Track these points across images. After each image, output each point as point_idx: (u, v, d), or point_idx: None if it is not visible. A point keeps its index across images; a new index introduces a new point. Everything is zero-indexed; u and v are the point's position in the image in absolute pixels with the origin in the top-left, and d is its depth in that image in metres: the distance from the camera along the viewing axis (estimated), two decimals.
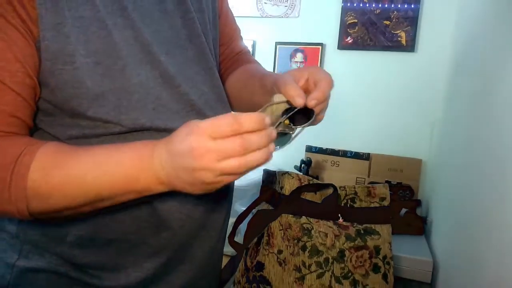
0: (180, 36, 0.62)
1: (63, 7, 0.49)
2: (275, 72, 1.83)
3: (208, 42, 0.68)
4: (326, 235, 0.78)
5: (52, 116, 0.54)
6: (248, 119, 0.42)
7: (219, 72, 0.81)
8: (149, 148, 0.47)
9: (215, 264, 0.75)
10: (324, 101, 0.56)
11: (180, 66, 0.61)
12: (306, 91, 0.56)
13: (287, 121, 0.56)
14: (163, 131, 0.56)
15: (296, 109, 0.54)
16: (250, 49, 1.83)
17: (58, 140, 0.54)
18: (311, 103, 0.54)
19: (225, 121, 0.42)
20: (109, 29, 0.52)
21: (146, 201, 0.57)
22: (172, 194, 0.57)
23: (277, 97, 0.56)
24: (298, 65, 1.77)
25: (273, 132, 0.44)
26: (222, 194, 0.68)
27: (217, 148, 0.42)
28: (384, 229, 0.80)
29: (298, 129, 0.57)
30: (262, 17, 1.80)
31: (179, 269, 0.64)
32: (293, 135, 0.56)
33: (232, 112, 0.46)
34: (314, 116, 0.56)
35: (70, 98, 0.51)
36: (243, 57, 0.84)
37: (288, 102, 0.55)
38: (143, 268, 0.60)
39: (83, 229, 0.56)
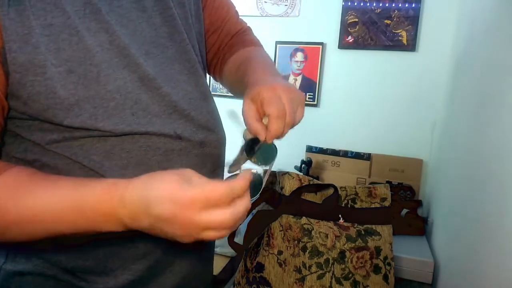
0: (160, 34, 0.61)
1: (28, 16, 0.48)
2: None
3: (190, 38, 0.66)
4: (326, 235, 0.78)
5: (29, 122, 0.52)
6: (243, 188, 0.42)
7: (215, 64, 0.79)
8: (114, 201, 0.44)
9: (207, 263, 0.74)
10: (283, 133, 0.55)
11: (161, 67, 0.59)
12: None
13: (254, 159, 0.57)
14: (144, 134, 0.55)
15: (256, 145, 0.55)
16: None
17: (39, 146, 0.53)
18: (269, 142, 0.54)
19: (219, 196, 0.41)
20: (81, 35, 0.51)
21: None
22: None
23: (246, 134, 0.57)
24: (298, 65, 1.77)
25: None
26: None
27: (207, 222, 0.41)
28: (385, 230, 0.79)
29: (265, 169, 0.59)
30: (262, 16, 1.80)
31: (169, 270, 0.63)
32: (264, 178, 0.58)
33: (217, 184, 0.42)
34: (276, 152, 0.57)
35: (44, 110, 0.50)
36: (239, 40, 0.79)
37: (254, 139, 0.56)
38: (131, 270, 0.59)
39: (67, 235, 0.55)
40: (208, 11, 0.74)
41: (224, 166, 0.70)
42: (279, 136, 0.54)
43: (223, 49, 0.79)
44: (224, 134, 0.69)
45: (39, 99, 0.49)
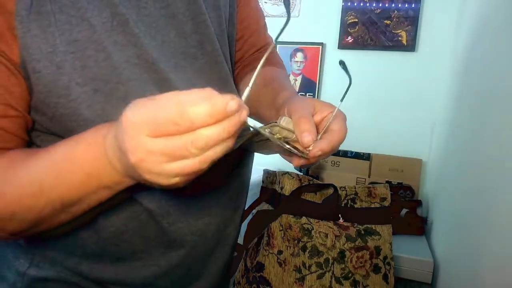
0: (190, 43, 0.56)
1: (53, 32, 0.45)
2: None
3: (222, 45, 0.61)
4: (326, 235, 0.78)
5: (53, 136, 0.50)
6: (200, 114, 0.31)
7: (234, 73, 0.73)
8: (100, 140, 0.39)
9: (227, 274, 0.74)
10: (327, 154, 0.49)
11: (190, 81, 0.55)
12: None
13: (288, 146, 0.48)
14: None
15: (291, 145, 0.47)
16: None
17: None
18: (315, 151, 0.46)
19: (166, 117, 0.31)
20: (108, 51, 0.47)
21: (153, 220, 0.54)
22: (180, 215, 0.54)
23: (285, 121, 0.47)
24: (298, 65, 1.77)
25: (241, 117, 0.33)
26: (235, 206, 0.64)
27: (160, 149, 0.32)
28: (385, 230, 0.80)
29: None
30: None
31: (193, 285, 0.62)
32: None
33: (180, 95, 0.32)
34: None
35: (69, 131, 0.47)
36: (262, 56, 0.74)
37: (293, 132, 0.47)
38: (154, 286, 0.58)
39: (90, 248, 0.55)
40: (239, 15, 0.68)
41: (249, 182, 0.67)
42: (324, 154, 0.48)
43: (242, 61, 0.74)
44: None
45: (63, 121, 0.47)
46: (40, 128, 0.50)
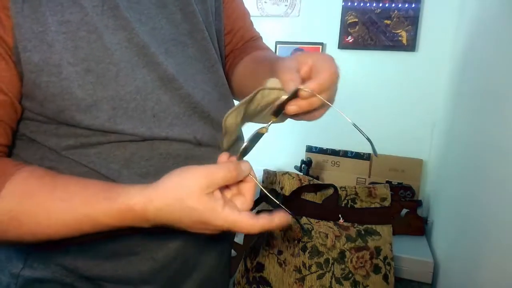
0: (180, 31, 0.58)
1: (44, 12, 0.46)
2: None
3: (211, 35, 0.63)
4: (326, 235, 0.78)
5: (45, 126, 0.51)
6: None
7: (225, 66, 0.75)
8: (135, 220, 0.45)
9: (225, 264, 0.74)
10: (322, 94, 0.49)
11: (181, 66, 0.57)
12: (307, 80, 0.50)
13: (274, 118, 0.51)
14: (164, 140, 0.53)
15: (286, 98, 0.48)
16: None
17: (55, 153, 0.51)
18: (303, 92, 0.47)
19: (249, 228, 0.44)
20: (100, 32, 0.48)
21: None
22: None
23: (271, 82, 0.49)
24: None
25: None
26: None
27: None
28: (385, 230, 0.80)
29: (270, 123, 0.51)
30: (262, 16, 1.79)
31: (189, 278, 0.62)
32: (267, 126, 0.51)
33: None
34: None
35: (60, 111, 0.48)
36: (253, 45, 0.76)
37: (282, 89, 0.48)
38: (150, 282, 0.58)
39: (85, 243, 0.54)
40: (225, 10, 0.71)
41: None
42: (314, 93, 0.48)
43: (233, 52, 0.77)
44: (243, 137, 0.66)
45: (55, 100, 0.47)
46: (30, 115, 0.50)
